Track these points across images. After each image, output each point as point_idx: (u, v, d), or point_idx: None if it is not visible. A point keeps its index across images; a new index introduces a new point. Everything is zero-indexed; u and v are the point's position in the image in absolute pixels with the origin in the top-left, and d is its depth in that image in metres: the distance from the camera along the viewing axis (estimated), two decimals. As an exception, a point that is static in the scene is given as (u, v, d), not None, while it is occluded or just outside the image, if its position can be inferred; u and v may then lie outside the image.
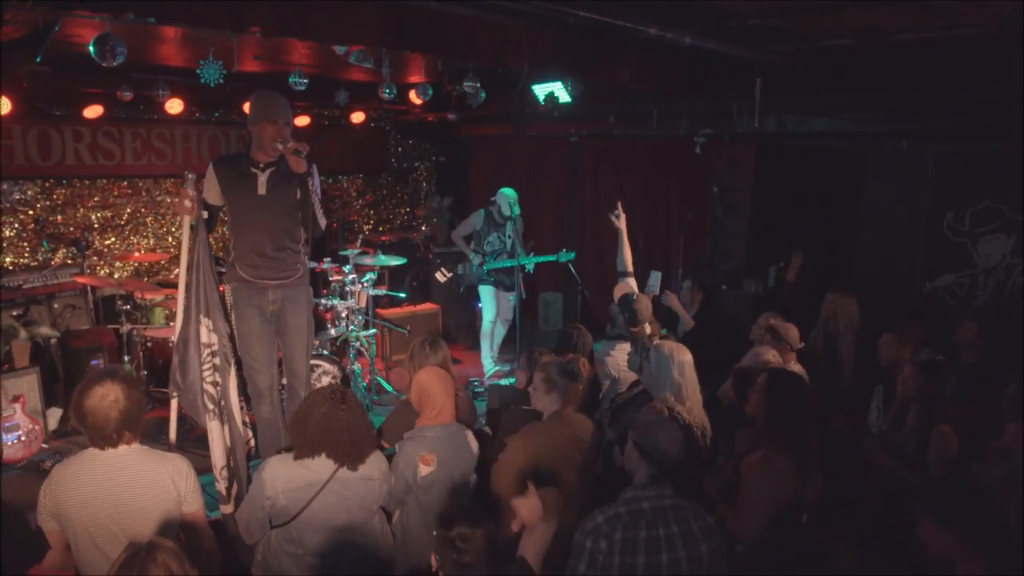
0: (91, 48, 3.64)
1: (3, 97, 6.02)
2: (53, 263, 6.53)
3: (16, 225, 6.77)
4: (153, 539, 2.06)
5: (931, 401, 3.82)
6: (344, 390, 3.01)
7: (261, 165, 3.87)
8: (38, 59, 4.10)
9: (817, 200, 6.06)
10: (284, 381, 4.30)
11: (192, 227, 3.58)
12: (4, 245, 6.71)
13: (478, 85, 5.53)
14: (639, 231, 7.40)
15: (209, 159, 4.24)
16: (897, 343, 4.56)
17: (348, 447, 2.88)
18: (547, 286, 8.52)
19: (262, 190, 3.86)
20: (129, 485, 2.60)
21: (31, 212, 6.84)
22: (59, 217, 6.96)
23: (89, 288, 6.10)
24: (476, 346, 7.32)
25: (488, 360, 6.97)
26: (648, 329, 4.72)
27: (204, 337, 3.47)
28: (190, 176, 3.55)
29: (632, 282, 5.04)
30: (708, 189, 6.33)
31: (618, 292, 4.80)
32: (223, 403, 3.50)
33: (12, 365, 5.20)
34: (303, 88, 5.01)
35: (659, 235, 7.38)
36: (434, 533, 2.39)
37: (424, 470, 3.15)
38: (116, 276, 7.16)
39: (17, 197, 6.76)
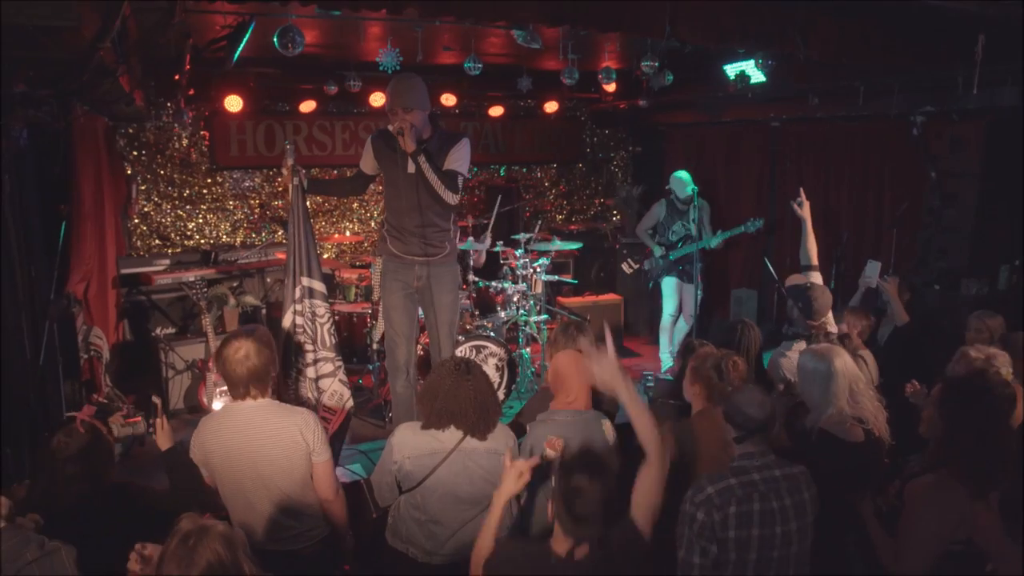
0: (275, 39, 4.01)
1: (236, 96, 6.86)
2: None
3: (245, 209, 7.69)
4: (205, 522, 1.97)
5: None
6: (470, 362, 3.01)
7: None
8: (235, 58, 4.56)
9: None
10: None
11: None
12: (234, 226, 7.65)
13: (656, 64, 5.29)
14: (843, 224, 6.68)
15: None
16: None
17: (473, 418, 2.89)
18: (741, 282, 7.98)
19: (412, 168, 4.00)
20: (261, 437, 2.78)
21: (257, 199, 7.72)
22: (279, 203, 7.77)
23: (293, 265, 6.72)
24: (657, 340, 7.04)
25: (666, 355, 6.69)
26: (828, 326, 4.21)
27: (298, 294, 3.73)
28: (288, 147, 3.79)
29: (816, 276, 4.51)
30: (925, 175, 5.48)
31: (791, 281, 4.31)
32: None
33: (224, 328, 5.90)
34: (477, 73, 5.12)
35: (867, 229, 6.59)
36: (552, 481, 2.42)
37: (550, 454, 3.04)
38: (325, 256, 7.85)
39: (247, 184, 7.67)
